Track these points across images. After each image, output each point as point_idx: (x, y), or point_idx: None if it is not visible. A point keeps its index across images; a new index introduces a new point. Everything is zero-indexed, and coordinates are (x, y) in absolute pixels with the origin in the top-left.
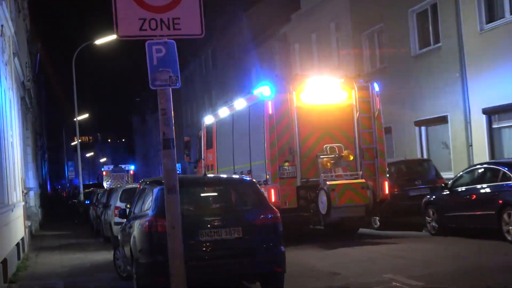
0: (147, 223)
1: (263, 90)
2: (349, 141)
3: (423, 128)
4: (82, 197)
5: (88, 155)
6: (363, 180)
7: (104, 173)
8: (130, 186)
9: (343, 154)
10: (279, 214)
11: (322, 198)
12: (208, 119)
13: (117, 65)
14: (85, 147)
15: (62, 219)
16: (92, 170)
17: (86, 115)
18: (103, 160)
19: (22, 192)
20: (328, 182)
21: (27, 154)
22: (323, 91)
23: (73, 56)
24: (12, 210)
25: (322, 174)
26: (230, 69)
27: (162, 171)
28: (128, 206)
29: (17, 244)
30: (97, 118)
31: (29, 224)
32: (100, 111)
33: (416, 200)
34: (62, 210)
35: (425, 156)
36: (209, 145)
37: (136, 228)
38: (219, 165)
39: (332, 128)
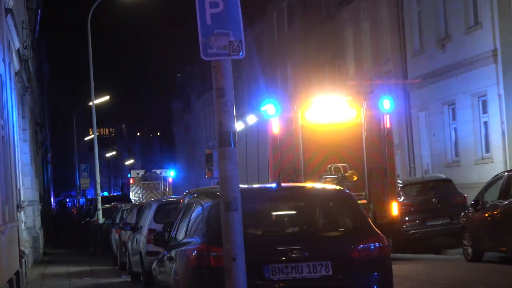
0: (194, 254)
1: (267, 109)
2: (357, 160)
3: None
4: (100, 215)
5: (108, 155)
6: (364, 201)
7: (131, 180)
8: (169, 199)
9: (346, 174)
10: (387, 243)
11: None
12: None
13: (149, 27)
14: (104, 143)
15: (72, 245)
16: (114, 176)
17: (105, 98)
18: (129, 162)
19: (17, 207)
20: None
21: (23, 153)
22: (329, 109)
23: (88, 15)
24: (4, 233)
25: None
26: (317, 32)
27: (215, 179)
28: (167, 228)
29: (10, 281)
30: (122, 103)
31: (26, 252)
32: (125, 93)
33: (434, 228)
34: (72, 233)
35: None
36: None
37: (179, 260)
38: None
39: (338, 147)
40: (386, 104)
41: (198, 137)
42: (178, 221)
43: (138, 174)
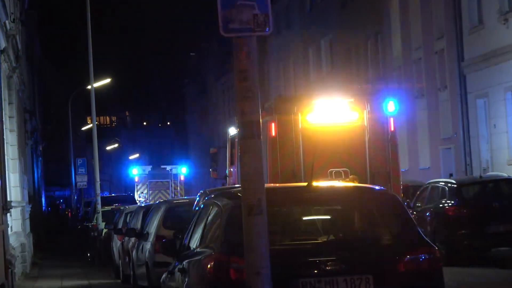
0: (211, 265)
1: (268, 109)
2: (359, 165)
3: None
4: (99, 219)
5: (109, 147)
6: None
7: (136, 178)
8: (181, 201)
9: (347, 180)
10: (439, 254)
11: None
12: (233, 130)
13: None
14: (105, 134)
15: (67, 254)
16: (116, 173)
17: (106, 81)
18: (134, 156)
19: (3, 209)
20: None
21: (9, 145)
22: (331, 111)
23: None
24: None
25: None
26: (357, 3)
27: (236, 177)
28: (178, 235)
29: None
30: (125, 86)
31: (13, 262)
32: (129, 75)
33: (494, 237)
34: (67, 240)
35: None
36: (232, 160)
37: (192, 273)
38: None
39: (340, 151)
40: (391, 106)
41: (216, 127)
42: (192, 227)
43: (144, 170)
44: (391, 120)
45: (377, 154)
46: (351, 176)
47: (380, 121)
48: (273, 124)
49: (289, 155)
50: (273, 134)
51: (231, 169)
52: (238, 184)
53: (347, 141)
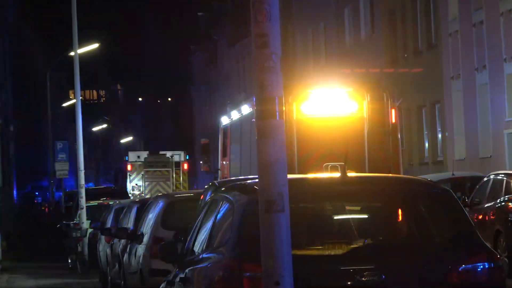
0: (221, 274)
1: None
2: (358, 159)
3: None
4: (83, 216)
5: (97, 128)
6: None
7: (128, 167)
8: (184, 195)
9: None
10: (502, 263)
11: None
12: (225, 119)
13: None
14: (91, 112)
15: (43, 258)
16: (104, 160)
17: (94, 47)
18: (126, 140)
19: None
20: None
21: None
22: (328, 102)
23: None
24: None
25: None
26: None
27: (228, 171)
28: (180, 237)
29: None
30: (117, 54)
31: None
32: (122, 40)
33: None
34: (44, 241)
35: None
36: (224, 152)
37: (197, 283)
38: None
39: (338, 144)
40: (391, 97)
41: (228, 103)
42: (197, 227)
43: (139, 157)
44: (393, 111)
45: (377, 147)
46: (348, 171)
47: (381, 112)
48: None
49: None
50: None
51: (224, 162)
52: (230, 178)
53: (345, 134)
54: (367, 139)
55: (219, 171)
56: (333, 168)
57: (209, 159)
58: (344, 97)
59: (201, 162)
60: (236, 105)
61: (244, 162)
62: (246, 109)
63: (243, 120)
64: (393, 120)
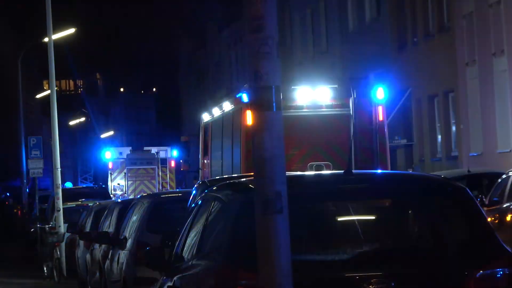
0: (213, 282)
1: (242, 96)
2: (343, 158)
3: None
4: (60, 219)
5: (74, 122)
6: None
7: (110, 164)
8: (171, 195)
9: None
10: None
11: None
12: (206, 116)
13: None
14: (68, 104)
15: (16, 267)
16: (83, 157)
17: (70, 32)
18: (107, 134)
19: None
20: None
21: None
22: (312, 99)
23: None
24: None
25: None
26: None
27: (209, 170)
28: (167, 241)
29: None
30: (96, 40)
31: None
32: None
33: None
34: (16, 247)
35: None
36: (205, 151)
37: None
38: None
39: (322, 143)
40: (380, 93)
41: (218, 94)
42: (186, 230)
43: (121, 154)
44: (380, 108)
45: (363, 146)
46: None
47: (368, 110)
48: (248, 112)
49: None
50: (248, 123)
51: (205, 161)
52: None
53: (330, 132)
54: (352, 137)
55: (199, 170)
56: (318, 168)
57: (189, 158)
58: (329, 94)
59: (181, 160)
60: (217, 102)
61: (226, 162)
62: (227, 105)
63: (224, 117)
64: (381, 118)
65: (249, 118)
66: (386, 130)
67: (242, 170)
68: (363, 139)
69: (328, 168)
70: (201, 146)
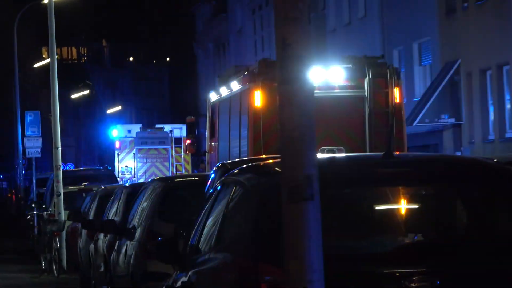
0: (233, 278)
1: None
2: (357, 142)
3: None
4: (60, 205)
5: (76, 95)
6: None
7: (117, 143)
8: (187, 179)
9: None
10: None
11: None
12: (213, 96)
13: None
14: (70, 75)
15: (10, 259)
16: (87, 136)
17: None
18: (114, 110)
19: None
20: None
21: None
22: (325, 79)
23: None
24: None
25: None
26: None
27: (216, 154)
28: (182, 231)
29: None
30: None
31: None
32: None
33: None
34: (10, 237)
35: None
36: (212, 133)
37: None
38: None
39: (335, 126)
40: (395, 73)
41: (242, 64)
42: (203, 218)
43: (129, 132)
44: (397, 90)
45: (379, 130)
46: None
47: (384, 91)
48: (256, 93)
49: (275, 130)
50: (257, 104)
51: (212, 143)
52: (217, 162)
53: (343, 114)
54: (368, 120)
55: (206, 153)
56: (330, 152)
57: (195, 140)
58: (343, 74)
59: (187, 142)
60: (225, 80)
61: (233, 146)
62: (235, 85)
63: (232, 97)
64: (398, 100)
65: (257, 99)
66: (403, 113)
67: (249, 155)
68: (378, 122)
69: (340, 153)
70: (208, 128)
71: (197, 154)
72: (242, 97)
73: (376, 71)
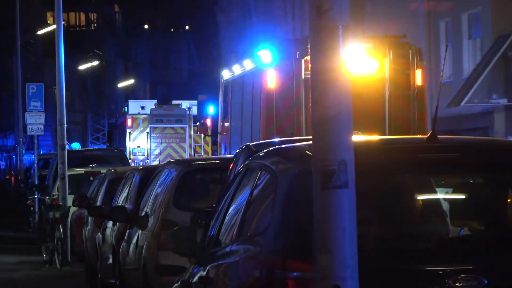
0: (257, 273)
1: (262, 55)
2: (377, 127)
3: None
4: (64, 189)
5: (84, 67)
6: None
7: (129, 121)
8: (206, 162)
9: None
10: None
11: None
12: (226, 73)
13: None
14: (77, 43)
15: (9, 248)
16: (95, 112)
17: None
18: (126, 84)
19: None
20: None
21: None
22: (343, 59)
23: None
24: None
25: None
26: None
27: (228, 135)
28: (200, 221)
29: None
30: None
31: None
32: None
33: None
34: (9, 223)
35: None
36: (224, 113)
37: (224, 284)
38: (232, 146)
39: (353, 109)
40: (418, 54)
41: (269, 34)
42: (224, 207)
43: (143, 108)
44: (420, 71)
45: (399, 114)
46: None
47: (405, 73)
48: (269, 73)
49: (288, 113)
50: (269, 85)
51: (225, 124)
52: (229, 144)
53: (362, 97)
54: (387, 104)
55: (218, 134)
56: None
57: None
58: (362, 54)
59: (197, 123)
60: (238, 58)
61: (245, 129)
62: (248, 64)
63: (245, 76)
64: (420, 82)
65: (270, 80)
66: (426, 96)
67: (261, 137)
68: (399, 106)
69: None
70: (220, 107)
71: (212, 136)
72: (255, 78)
73: (397, 52)
